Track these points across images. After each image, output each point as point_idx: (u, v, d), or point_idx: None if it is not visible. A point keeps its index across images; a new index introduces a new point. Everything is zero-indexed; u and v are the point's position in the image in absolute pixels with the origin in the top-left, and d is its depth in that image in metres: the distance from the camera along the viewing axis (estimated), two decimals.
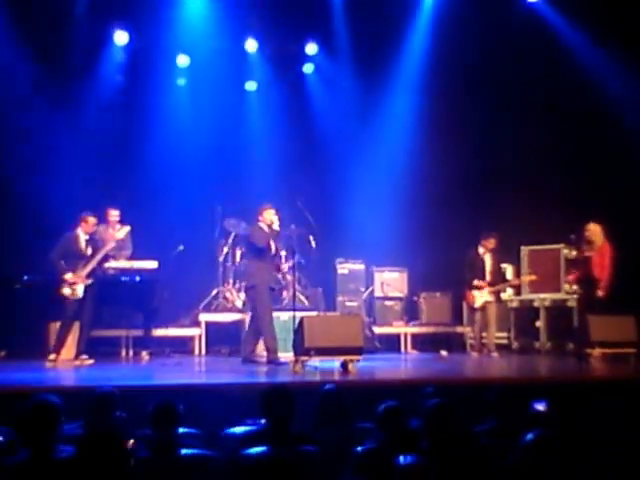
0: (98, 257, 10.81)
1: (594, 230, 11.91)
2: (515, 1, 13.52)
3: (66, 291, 10.56)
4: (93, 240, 10.97)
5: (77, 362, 10.60)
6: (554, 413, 5.50)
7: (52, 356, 10.51)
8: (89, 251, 10.82)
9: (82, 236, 10.82)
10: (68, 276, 10.55)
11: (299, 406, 5.44)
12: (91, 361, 10.64)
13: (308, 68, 14.98)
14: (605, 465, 4.82)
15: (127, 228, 11.57)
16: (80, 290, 10.62)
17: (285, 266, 10.87)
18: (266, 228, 10.66)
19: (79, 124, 12.96)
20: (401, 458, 4.76)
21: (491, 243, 12.47)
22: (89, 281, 10.70)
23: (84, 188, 12.62)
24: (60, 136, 12.77)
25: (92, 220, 10.91)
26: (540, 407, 5.86)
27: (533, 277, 13.03)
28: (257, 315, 10.65)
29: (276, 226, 10.56)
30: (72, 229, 10.81)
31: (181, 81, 14.43)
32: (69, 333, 10.76)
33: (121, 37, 13.59)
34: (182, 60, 14.13)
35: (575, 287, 12.40)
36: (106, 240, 11.44)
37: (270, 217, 10.67)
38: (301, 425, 5.54)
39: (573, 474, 4.51)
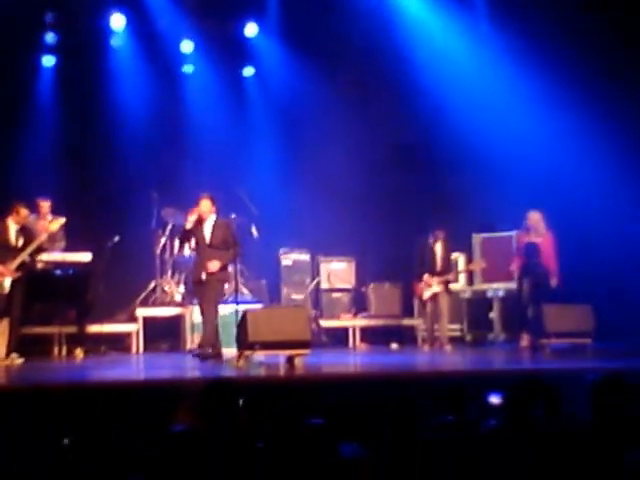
0: (29, 250, 10.20)
1: (537, 217, 11.59)
2: None
3: None
4: (26, 230, 10.35)
5: (7, 362, 9.97)
6: (509, 405, 5.15)
7: None
8: (20, 242, 10.21)
9: (12, 226, 10.21)
10: None
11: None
12: (21, 360, 10.06)
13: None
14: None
15: (62, 220, 11.02)
16: (7, 284, 10.01)
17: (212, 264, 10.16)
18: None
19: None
20: (344, 448, 4.38)
21: (441, 233, 12.16)
22: (17, 274, 10.07)
23: (15, 178, 12.25)
24: None
25: (24, 212, 10.30)
26: (495, 400, 5.54)
27: (483, 264, 12.79)
28: None
29: (188, 224, 10.08)
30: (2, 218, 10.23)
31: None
32: None
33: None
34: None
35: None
36: (37, 232, 10.92)
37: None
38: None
39: (529, 466, 4.35)
